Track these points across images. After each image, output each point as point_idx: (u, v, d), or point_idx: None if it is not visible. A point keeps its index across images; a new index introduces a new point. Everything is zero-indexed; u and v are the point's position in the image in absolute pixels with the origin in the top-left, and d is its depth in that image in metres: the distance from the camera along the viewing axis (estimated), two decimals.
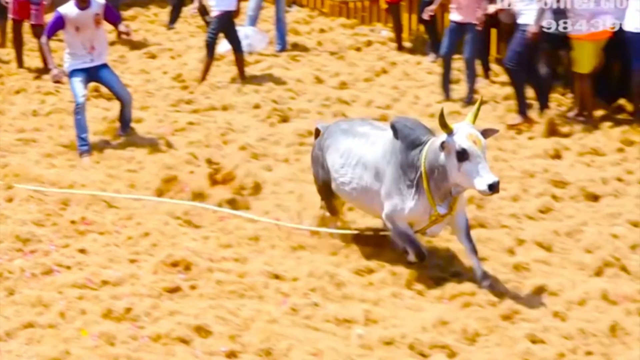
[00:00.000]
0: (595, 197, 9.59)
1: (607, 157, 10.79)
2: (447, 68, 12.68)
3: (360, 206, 8.24)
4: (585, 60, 11.69)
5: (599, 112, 11.99)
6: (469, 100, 12.37)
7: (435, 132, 7.63)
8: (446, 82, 12.71)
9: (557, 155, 10.76)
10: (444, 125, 7.24)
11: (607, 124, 11.69)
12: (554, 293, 7.56)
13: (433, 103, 12.51)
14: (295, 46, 15.13)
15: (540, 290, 7.58)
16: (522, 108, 11.75)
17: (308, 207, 8.86)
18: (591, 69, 11.73)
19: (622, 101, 12.23)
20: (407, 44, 15.30)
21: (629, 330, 7.01)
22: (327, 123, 8.68)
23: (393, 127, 7.71)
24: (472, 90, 12.48)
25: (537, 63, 12.02)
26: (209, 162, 9.94)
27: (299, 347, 6.73)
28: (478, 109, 7.48)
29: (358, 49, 15.18)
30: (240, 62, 13.42)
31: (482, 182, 7.11)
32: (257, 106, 12.33)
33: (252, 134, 11.37)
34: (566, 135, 11.37)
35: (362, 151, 7.92)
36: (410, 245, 7.78)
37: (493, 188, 7.09)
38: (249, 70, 13.69)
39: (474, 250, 7.59)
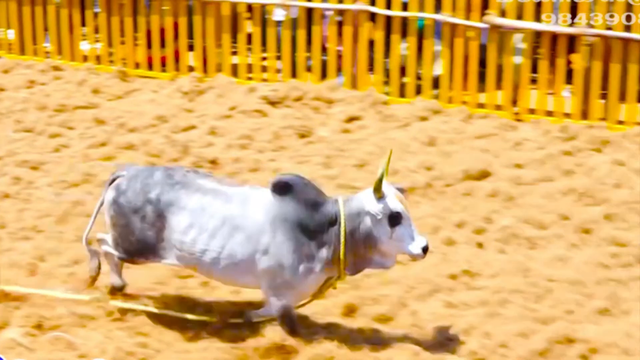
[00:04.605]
0: None
1: None
2: None
3: (213, 275, 6.39)
4: None
5: None
6: None
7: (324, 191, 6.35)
8: None
9: None
10: (378, 189, 6.02)
11: None
12: None
13: None
14: None
15: None
16: None
17: None
18: None
19: None
20: None
21: None
22: (132, 169, 6.55)
23: (286, 186, 6.20)
24: None
25: None
26: None
27: None
28: (388, 163, 6.13)
29: None
30: None
31: (416, 246, 6.04)
32: None
33: None
34: None
35: (227, 213, 6.23)
36: (295, 325, 6.28)
37: (426, 251, 6.08)
38: None
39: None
